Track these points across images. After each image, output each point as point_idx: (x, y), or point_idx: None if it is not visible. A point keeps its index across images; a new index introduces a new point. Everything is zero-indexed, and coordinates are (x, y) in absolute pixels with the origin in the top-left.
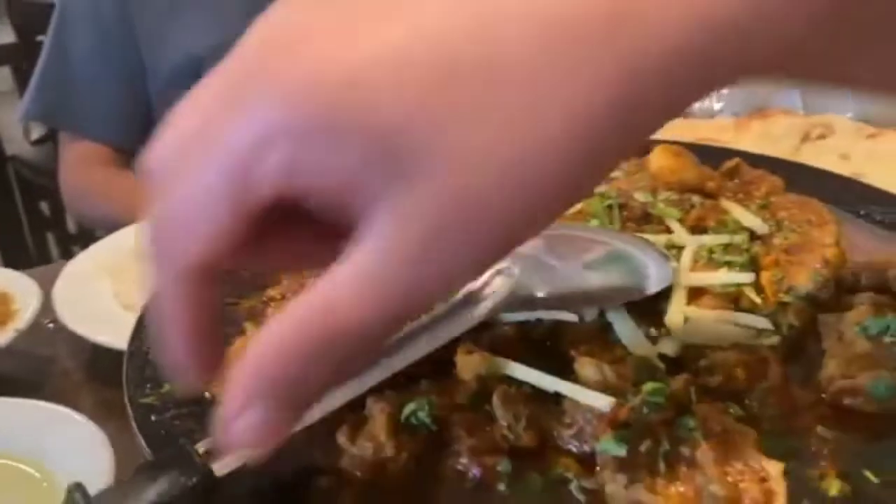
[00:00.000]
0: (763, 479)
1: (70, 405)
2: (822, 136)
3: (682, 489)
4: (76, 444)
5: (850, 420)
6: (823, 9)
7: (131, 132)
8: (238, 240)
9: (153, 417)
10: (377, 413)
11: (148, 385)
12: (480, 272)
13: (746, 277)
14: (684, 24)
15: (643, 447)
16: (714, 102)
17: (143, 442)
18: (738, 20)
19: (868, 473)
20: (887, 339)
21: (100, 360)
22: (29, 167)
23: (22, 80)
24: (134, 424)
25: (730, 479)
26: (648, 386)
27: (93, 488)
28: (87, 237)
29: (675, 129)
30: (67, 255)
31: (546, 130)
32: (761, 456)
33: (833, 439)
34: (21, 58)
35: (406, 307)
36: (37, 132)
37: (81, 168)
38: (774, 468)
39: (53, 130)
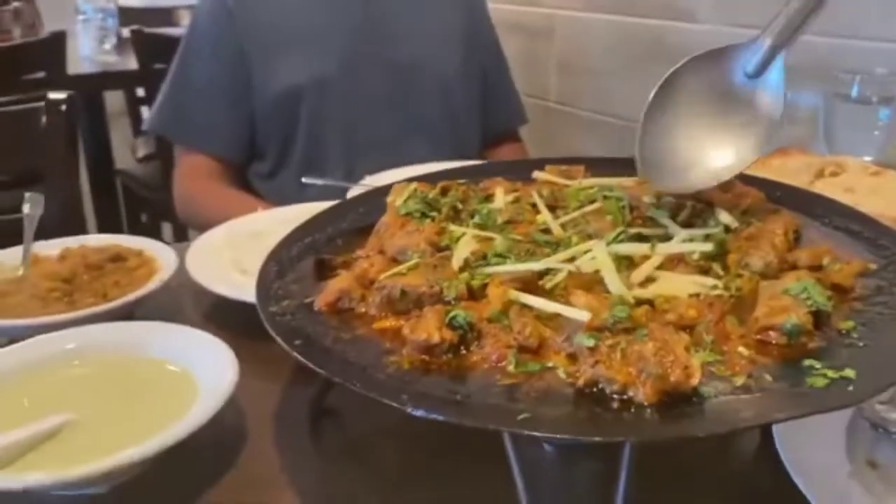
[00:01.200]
0: (686, 367)
1: None
2: (834, 174)
3: (630, 370)
4: (210, 355)
5: (766, 348)
6: None
7: (237, 148)
8: None
9: (277, 319)
10: (430, 314)
11: (272, 301)
12: None
13: (705, 247)
14: None
15: (607, 343)
16: None
17: (272, 331)
18: None
19: (766, 376)
20: (802, 297)
21: (217, 311)
22: (134, 180)
23: (133, 104)
24: (264, 320)
25: (663, 364)
26: (616, 308)
27: (219, 387)
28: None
29: None
30: None
31: None
32: (689, 354)
33: (749, 356)
34: (137, 83)
35: None
36: (143, 150)
37: (193, 177)
38: (696, 361)
39: (158, 149)
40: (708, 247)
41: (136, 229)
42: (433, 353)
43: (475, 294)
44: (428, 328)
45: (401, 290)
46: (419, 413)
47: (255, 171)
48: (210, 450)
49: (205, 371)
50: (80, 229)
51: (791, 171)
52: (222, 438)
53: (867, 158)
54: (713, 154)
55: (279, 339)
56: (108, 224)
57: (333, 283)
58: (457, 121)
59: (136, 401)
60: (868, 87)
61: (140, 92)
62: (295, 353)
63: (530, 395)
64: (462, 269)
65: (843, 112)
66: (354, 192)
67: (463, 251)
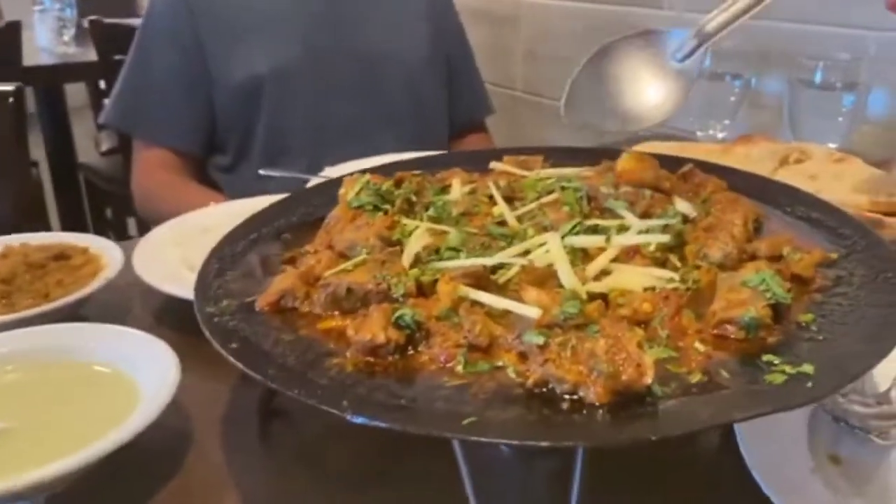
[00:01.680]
0: (639, 365)
1: None
2: (798, 161)
3: (580, 367)
4: (150, 357)
5: (724, 343)
6: None
7: (196, 140)
8: None
9: (215, 320)
10: (375, 313)
11: (211, 301)
12: None
13: (661, 238)
14: None
15: (557, 340)
16: (718, 133)
17: (207, 333)
18: None
19: (723, 372)
20: (761, 289)
21: (167, 310)
22: (97, 174)
23: (96, 97)
24: (201, 321)
25: (615, 362)
26: (567, 303)
27: (161, 389)
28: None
29: (670, 150)
30: None
31: None
32: (642, 351)
33: (706, 351)
34: (97, 75)
35: None
36: (106, 144)
37: (151, 171)
38: (649, 359)
39: (121, 143)
40: (664, 238)
41: (100, 224)
42: (378, 355)
43: (425, 290)
44: (373, 328)
45: (346, 288)
46: (360, 421)
47: (214, 164)
48: (154, 455)
49: (146, 374)
50: (43, 225)
51: (755, 158)
52: (167, 443)
53: (832, 145)
54: (630, 105)
55: (214, 342)
56: (71, 220)
57: (276, 281)
58: (423, 111)
59: (74, 407)
60: (832, 73)
61: (103, 84)
62: (230, 357)
63: (478, 397)
64: (413, 265)
65: (807, 98)
66: (313, 183)
67: (414, 246)
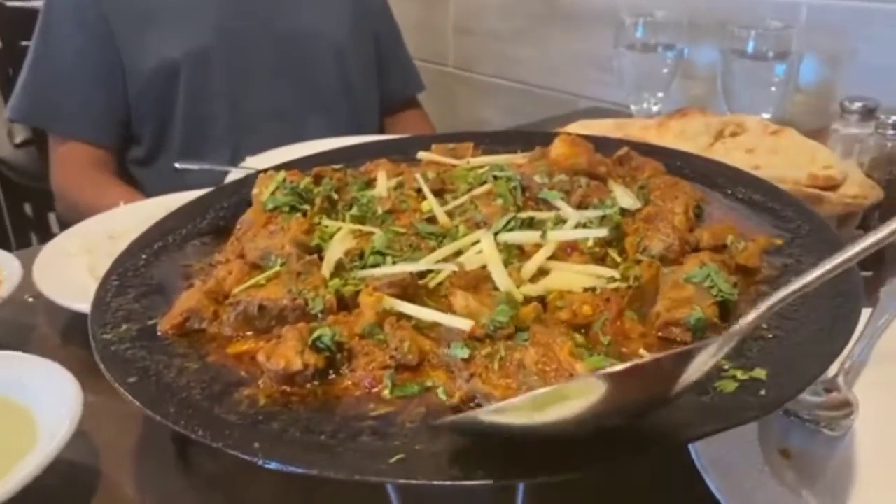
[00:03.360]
0: (571, 376)
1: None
2: (734, 134)
3: (509, 381)
4: (49, 387)
5: (668, 347)
6: None
7: (111, 131)
8: None
9: (112, 349)
10: (289, 335)
11: (108, 325)
12: None
13: (599, 233)
14: None
15: (484, 352)
16: (652, 106)
17: (102, 366)
18: None
19: None
20: (706, 285)
21: (74, 326)
22: (12, 169)
23: (4, 85)
24: (95, 352)
25: (545, 374)
26: (497, 311)
27: (62, 423)
28: (29, 253)
29: (606, 128)
30: None
31: None
32: (574, 359)
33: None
34: (4, 63)
35: None
36: (20, 135)
37: (67, 167)
38: (582, 368)
39: (37, 134)
40: (602, 232)
41: (19, 222)
42: (295, 383)
43: (348, 304)
44: (287, 353)
45: (258, 306)
46: (273, 466)
47: (131, 158)
48: (59, 494)
49: (45, 406)
50: None
51: (691, 133)
52: (71, 480)
53: (766, 115)
54: None
55: (109, 376)
56: None
57: (180, 300)
58: (352, 90)
59: None
60: (763, 43)
61: (11, 72)
62: (127, 394)
63: (405, 426)
64: (335, 274)
65: (740, 68)
66: (234, 175)
67: (335, 252)
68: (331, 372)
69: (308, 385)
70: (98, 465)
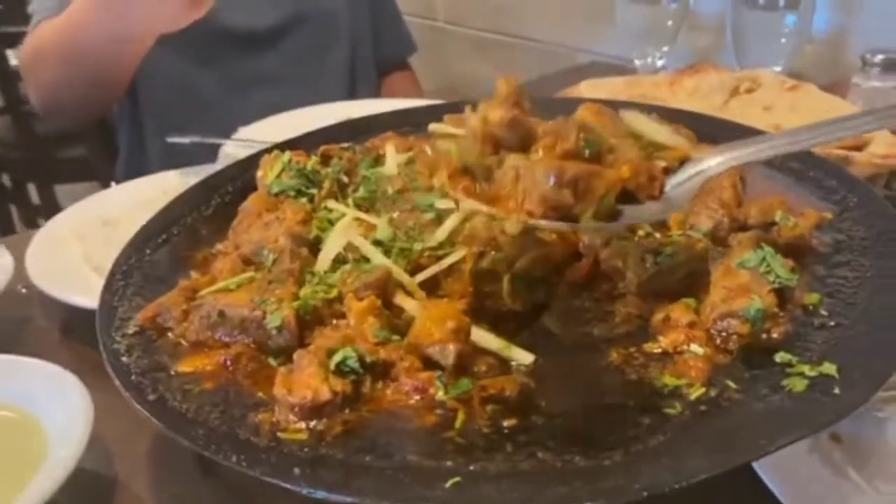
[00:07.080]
0: None
1: (48, 360)
2: (749, 90)
3: None
4: (55, 392)
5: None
6: None
7: None
8: None
9: (123, 359)
10: (305, 364)
11: (117, 332)
12: None
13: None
14: None
15: None
16: (657, 60)
17: (116, 381)
18: None
19: (730, 382)
20: (762, 270)
21: (74, 320)
22: None
23: None
24: (107, 364)
25: None
26: None
27: (74, 431)
28: (49, 207)
29: (616, 85)
30: (32, 226)
31: None
32: None
33: (705, 356)
34: None
35: None
36: None
37: (40, 31)
38: None
39: (9, 102)
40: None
41: None
42: (324, 415)
43: (322, 314)
44: (310, 382)
45: (219, 311)
46: (320, 495)
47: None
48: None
49: (52, 415)
50: None
51: (705, 91)
52: (86, 489)
53: (777, 68)
54: None
55: (128, 398)
56: None
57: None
58: (352, 53)
59: None
60: None
61: None
62: (152, 418)
63: (454, 441)
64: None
65: (750, 19)
66: (228, 148)
67: (332, 247)
68: (361, 394)
69: (338, 416)
70: (113, 473)
